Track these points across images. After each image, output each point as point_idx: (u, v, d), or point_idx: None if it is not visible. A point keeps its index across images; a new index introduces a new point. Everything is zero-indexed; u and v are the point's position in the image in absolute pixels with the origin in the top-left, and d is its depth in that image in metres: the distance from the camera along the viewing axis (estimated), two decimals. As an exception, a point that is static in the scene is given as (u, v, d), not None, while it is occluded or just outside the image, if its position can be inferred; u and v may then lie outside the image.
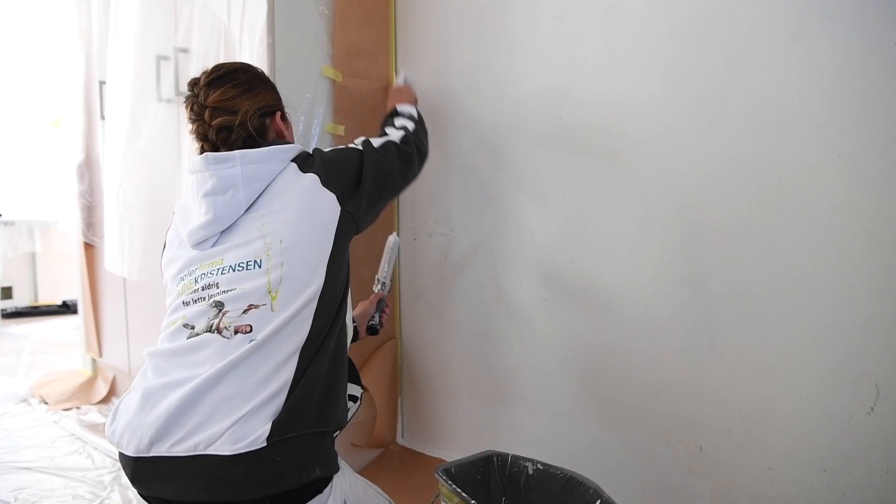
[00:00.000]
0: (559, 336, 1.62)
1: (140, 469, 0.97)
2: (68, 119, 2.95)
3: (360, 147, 1.27)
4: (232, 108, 1.17)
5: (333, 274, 1.08)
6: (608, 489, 1.20)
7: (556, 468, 1.26)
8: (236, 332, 0.99)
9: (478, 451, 1.34)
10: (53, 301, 5.08)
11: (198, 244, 1.10)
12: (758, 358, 1.30)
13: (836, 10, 1.18)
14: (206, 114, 1.16)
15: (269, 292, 1.01)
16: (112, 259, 2.33)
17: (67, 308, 4.99)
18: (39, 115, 4.25)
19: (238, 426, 0.91)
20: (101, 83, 2.51)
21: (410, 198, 1.96)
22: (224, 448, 0.90)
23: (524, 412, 1.71)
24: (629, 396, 1.50)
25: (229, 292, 1.02)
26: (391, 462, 1.96)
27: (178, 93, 1.97)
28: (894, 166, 1.13)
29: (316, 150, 1.22)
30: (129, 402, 1.01)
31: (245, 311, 1.00)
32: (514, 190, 1.69)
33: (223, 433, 0.90)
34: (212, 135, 1.17)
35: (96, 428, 2.43)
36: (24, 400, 2.83)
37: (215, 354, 0.97)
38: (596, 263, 1.54)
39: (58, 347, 3.81)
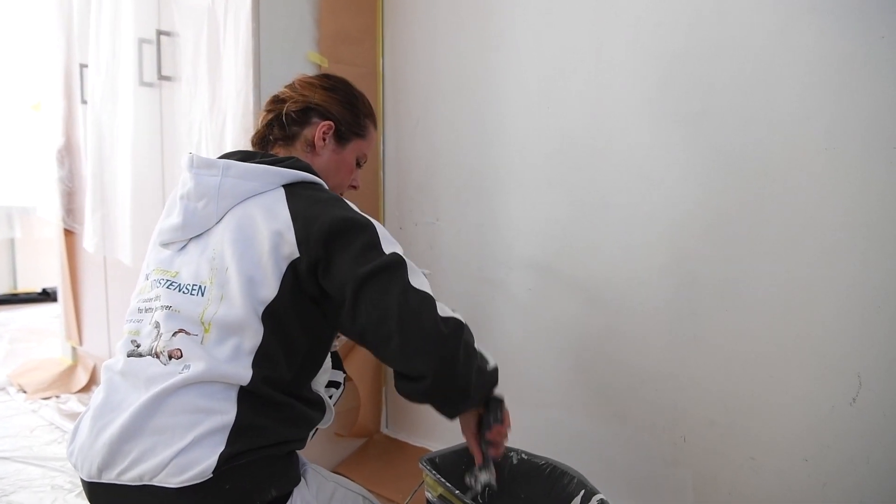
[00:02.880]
0: (544, 327, 1.62)
1: (94, 493, 0.96)
2: (48, 103, 2.89)
3: (389, 258, 0.94)
4: (301, 88, 1.17)
5: (278, 330, 0.96)
6: (592, 479, 1.20)
7: (540, 458, 1.26)
8: (170, 356, 0.94)
9: (462, 441, 1.33)
10: (33, 288, 5.00)
11: (164, 245, 1.06)
12: (742, 349, 1.30)
13: (823, 3, 1.18)
14: (284, 86, 1.20)
15: (202, 323, 0.95)
16: (103, 242, 2.32)
17: (47, 296, 4.92)
18: (18, 99, 4.17)
19: (181, 456, 0.87)
20: (82, 66, 2.46)
21: (396, 186, 1.94)
22: (170, 480, 0.87)
23: (509, 403, 1.70)
24: (614, 387, 1.50)
25: (167, 310, 0.97)
26: (375, 452, 1.95)
27: (160, 76, 1.93)
28: (878, 159, 1.13)
29: (339, 203, 1.01)
30: (84, 421, 0.98)
31: (174, 335, 0.95)
32: (501, 180, 1.68)
33: (167, 464, 0.87)
34: (268, 101, 1.19)
35: (76, 417, 2.39)
36: (3, 388, 2.79)
37: (154, 378, 0.93)
38: (582, 255, 1.53)
39: (37, 335, 3.76)
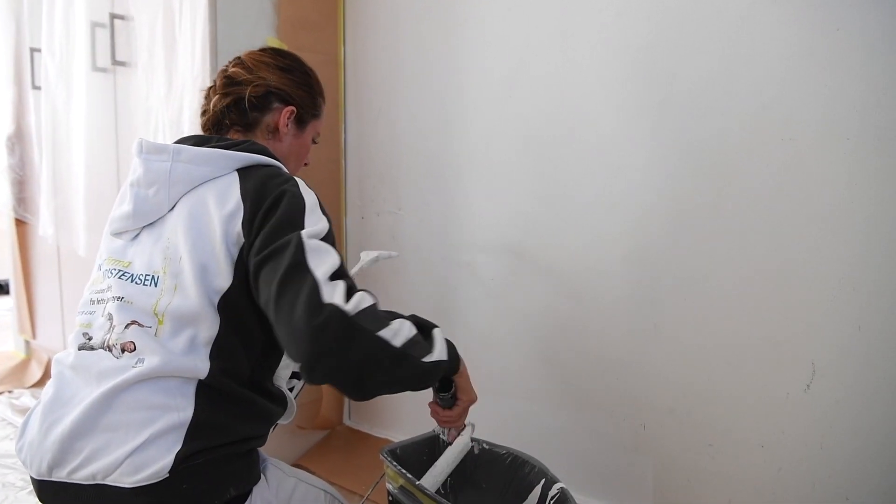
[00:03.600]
0: (507, 317, 1.62)
1: (44, 491, 0.92)
2: (-3, 88, 2.79)
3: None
4: (256, 69, 1.11)
5: (235, 319, 0.92)
6: (554, 467, 1.20)
7: (502, 448, 1.26)
8: (123, 349, 0.91)
9: (424, 432, 1.33)
10: (-15, 281, 4.85)
11: (116, 234, 1.02)
12: (700, 338, 1.32)
13: (782, -6, 1.19)
14: (232, 63, 1.12)
15: (156, 314, 0.91)
16: (58, 232, 2.26)
17: (0, 288, 4.78)
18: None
19: (136, 455, 0.84)
20: (34, 50, 2.38)
21: (358, 175, 1.92)
22: (124, 479, 0.83)
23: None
24: (576, 376, 1.51)
25: (119, 301, 0.94)
26: (337, 443, 1.94)
27: (114, 62, 1.87)
28: (833, 150, 1.15)
29: (287, 182, 0.96)
30: (34, 417, 0.94)
31: (127, 327, 0.91)
32: (464, 169, 1.67)
33: (121, 463, 0.83)
34: (218, 81, 1.11)
35: (29, 412, 2.33)
36: (-48, 384, 2.70)
37: (106, 373, 0.89)
38: (545, 245, 1.53)
39: (-11, 329, 3.65)
